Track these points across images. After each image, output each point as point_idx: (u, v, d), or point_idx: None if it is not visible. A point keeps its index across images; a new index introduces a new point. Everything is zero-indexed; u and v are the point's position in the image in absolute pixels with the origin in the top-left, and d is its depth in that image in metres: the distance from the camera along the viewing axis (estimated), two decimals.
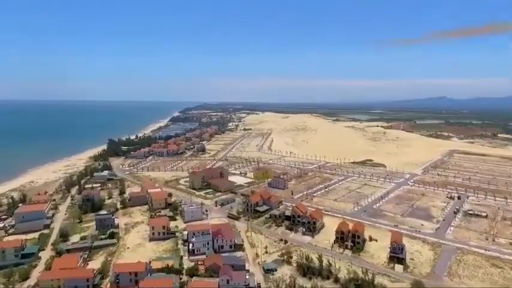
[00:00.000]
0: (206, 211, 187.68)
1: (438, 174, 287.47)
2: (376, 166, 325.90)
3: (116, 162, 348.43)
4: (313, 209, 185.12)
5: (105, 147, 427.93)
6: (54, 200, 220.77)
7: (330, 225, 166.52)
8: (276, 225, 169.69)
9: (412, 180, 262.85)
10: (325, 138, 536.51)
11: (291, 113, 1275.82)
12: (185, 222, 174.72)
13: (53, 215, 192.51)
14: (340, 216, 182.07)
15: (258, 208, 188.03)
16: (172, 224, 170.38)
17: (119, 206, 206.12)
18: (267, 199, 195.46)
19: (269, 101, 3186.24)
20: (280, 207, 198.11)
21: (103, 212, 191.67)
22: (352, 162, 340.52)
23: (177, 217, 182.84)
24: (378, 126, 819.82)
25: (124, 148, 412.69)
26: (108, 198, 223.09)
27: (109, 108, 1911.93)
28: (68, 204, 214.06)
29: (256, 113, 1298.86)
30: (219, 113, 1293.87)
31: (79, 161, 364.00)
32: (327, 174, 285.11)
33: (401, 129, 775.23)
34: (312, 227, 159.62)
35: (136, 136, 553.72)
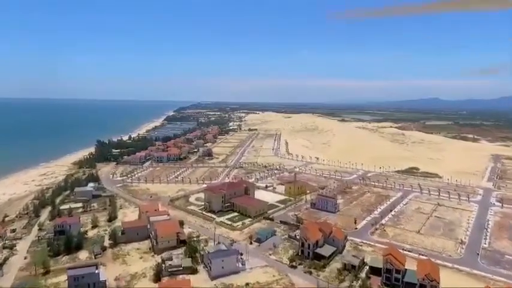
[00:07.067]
0: (241, 255, 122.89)
1: None
2: (428, 176, 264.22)
3: (105, 169, 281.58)
4: (405, 252, 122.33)
5: (93, 150, 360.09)
6: (14, 230, 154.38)
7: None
8: (360, 286, 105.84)
9: (496, 199, 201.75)
10: (346, 140, 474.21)
11: (290, 113, 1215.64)
12: (213, 279, 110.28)
13: (5, 261, 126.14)
14: (450, 265, 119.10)
15: (319, 251, 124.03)
16: (192, 279, 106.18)
17: (107, 241, 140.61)
18: (329, 234, 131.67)
19: (264, 100, 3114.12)
20: (346, 245, 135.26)
21: (82, 258, 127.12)
22: (397, 171, 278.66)
23: (197, 266, 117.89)
24: (391, 127, 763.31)
25: (115, 152, 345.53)
26: (93, 227, 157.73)
27: (99, 107, 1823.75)
28: (33, 238, 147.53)
29: (256, 113, 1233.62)
30: (216, 113, 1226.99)
31: (60, 168, 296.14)
32: (377, 189, 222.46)
33: (414, 130, 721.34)
34: None
35: (130, 137, 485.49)
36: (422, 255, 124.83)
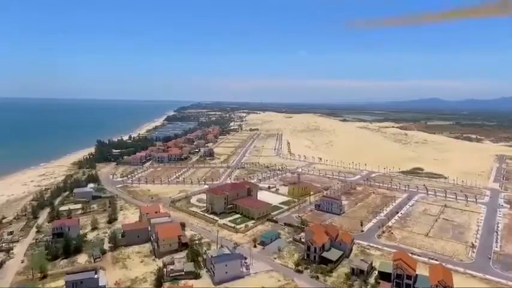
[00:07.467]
0: (245, 259, 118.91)
1: None
2: (433, 177, 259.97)
3: (105, 170, 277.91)
4: (413, 256, 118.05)
5: (92, 150, 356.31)
6: (11, 232, 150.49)
7: None
8: None
9: (504, 200, 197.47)
10: (348, 140, 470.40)
11: (291, 113, 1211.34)
12: (216, 284, 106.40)
13: (2, 265, 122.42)
14: (461, 270, 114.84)
15: (326, 255, 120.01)
16: (194, 284, 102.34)
17: (107, 244, 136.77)
18: (335, 237, 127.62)
19: (262, 100, 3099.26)
20: (353, 248, 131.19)
21: (81, 261, 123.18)
22: (402, 172, 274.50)
23: (200, 271, 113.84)
24: (393, 127, 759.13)
25: (115, 152, 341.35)
26: (92, 229, 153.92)
27: (99, 107, 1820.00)
28: (31, 241, 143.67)
29: (257, 113, 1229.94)
30: (217, 112, 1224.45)
31: (59, 169, 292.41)
32: (382, 190, 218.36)
33: (416, 130, 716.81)
34: None
35: (130, 137, 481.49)
36: (433, 259, 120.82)
